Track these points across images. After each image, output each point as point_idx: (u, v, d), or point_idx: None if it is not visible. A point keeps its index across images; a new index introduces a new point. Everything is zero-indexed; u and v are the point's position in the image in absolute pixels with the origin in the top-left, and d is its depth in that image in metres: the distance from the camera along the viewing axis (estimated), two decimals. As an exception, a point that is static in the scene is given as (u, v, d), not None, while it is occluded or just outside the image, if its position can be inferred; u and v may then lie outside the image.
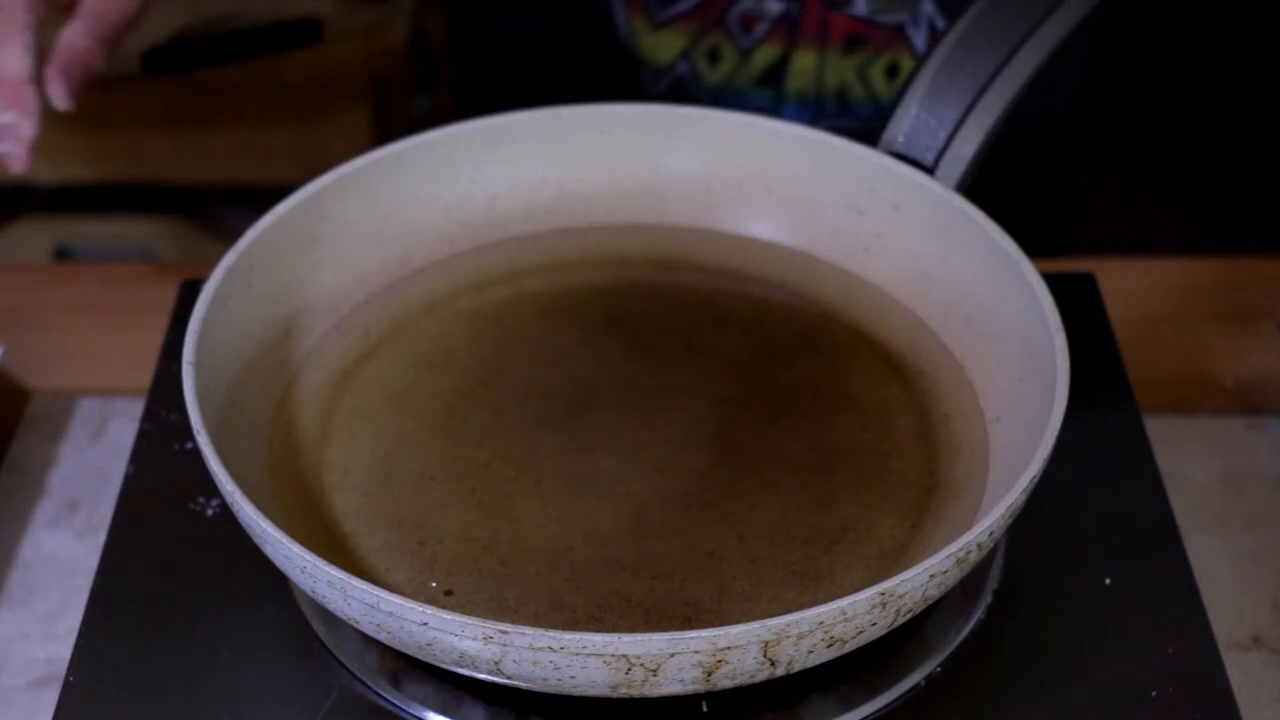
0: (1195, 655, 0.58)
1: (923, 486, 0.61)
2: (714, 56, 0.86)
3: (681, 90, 0.88)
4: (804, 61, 0.85)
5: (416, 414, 0.65)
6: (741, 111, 0.71)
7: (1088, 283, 0.74)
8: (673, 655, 0.49)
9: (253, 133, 1.51)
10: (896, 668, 0.58)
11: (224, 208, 1.57)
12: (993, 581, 0.61)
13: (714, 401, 0.65)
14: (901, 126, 0.68)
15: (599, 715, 0.56)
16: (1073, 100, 0.91)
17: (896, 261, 0.69)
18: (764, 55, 0.86)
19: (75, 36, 0.66)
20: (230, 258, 0.63)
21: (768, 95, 0.87)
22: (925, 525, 0.60)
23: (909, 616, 0.53)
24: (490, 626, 0.49)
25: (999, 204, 0.67)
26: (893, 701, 0.57)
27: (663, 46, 0.87)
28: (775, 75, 0.86)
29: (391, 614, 0.51)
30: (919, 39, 0.84)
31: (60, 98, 0.66)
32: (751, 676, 0.51)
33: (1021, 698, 0.57)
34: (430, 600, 0.56)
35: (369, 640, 0.58)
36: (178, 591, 0.61)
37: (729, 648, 0.50)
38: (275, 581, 0.60)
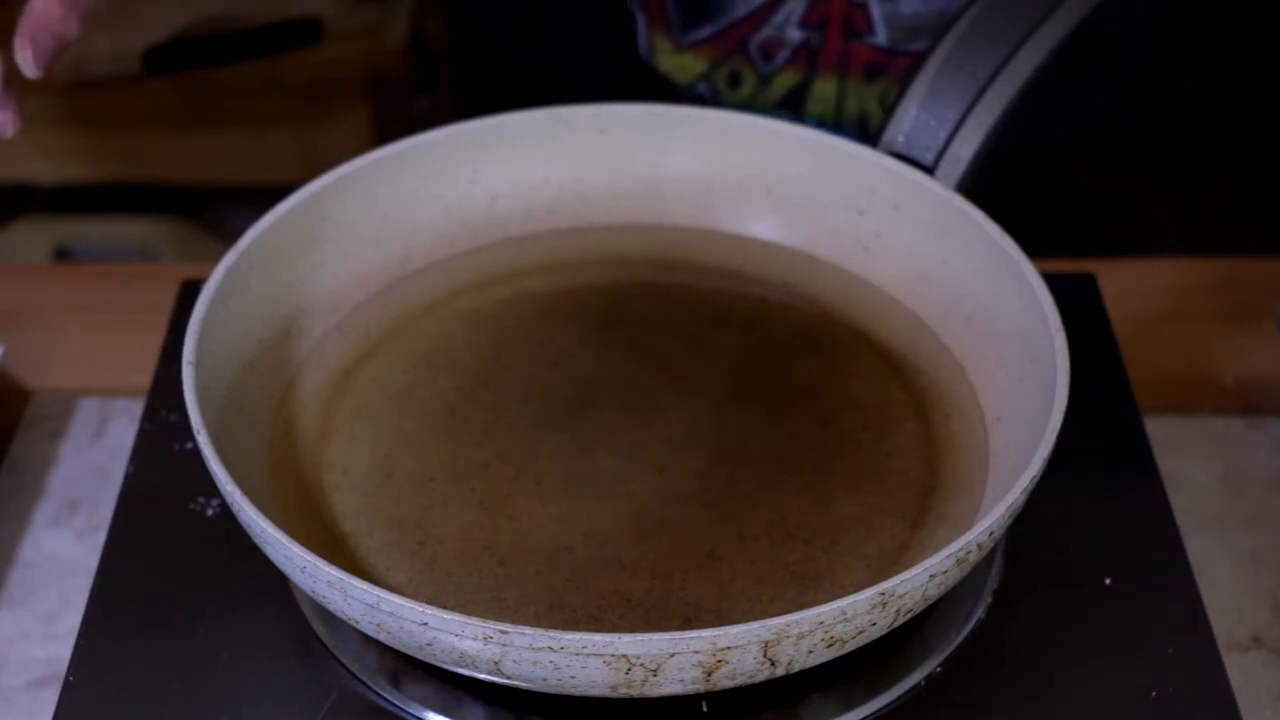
0: (1195, 655, 0.58)
1: (923, 486, 0.61)
2: (734, 81, 0.86)
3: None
4: (824, 89, 0.85)
5: (416, 414, 0.65)
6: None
7: (1088, 283, 0.74)
8: (673, 655, 0.49)
9: (253, 133, 1.52)
10: (896, 668, 0.58)
11: (224, 208, 1.57)
12: (993, 581, 0.61)
13: (714, 401, 0.65)
14: (901, 126, 0.68)
15: (599, 715, 0.56)
16: (1072, 100, 0.91)
17: (896, 261, 0.69)
18: (784, 81, 0.86)
19: (44, 4, 0.66)
20: (230, 258, 0.63)
21: (787, 117, 0.87)
22: (925, 525, 0.60)
23: (909, 616, 0.53)
24: (490, 626, 0.49)
25: (999, 204, 0.67)
26: (893, 701, 0.57)
27: (683, 68, 0.87)
28: (795, 100, 0.86)
29: (391, 614, 0.51)
30: None
31: (29, 66, 0.66)
32: (751, 676, 0.51)
33: (1021, 698, 0.57)
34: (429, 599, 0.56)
35: (369, 640, 0.58)
36: (178, 591, 0.61)
37: (729, 648, 0.50)
38: (275, 581, 0.60)
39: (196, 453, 0.57)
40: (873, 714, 0.57)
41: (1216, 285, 0.81)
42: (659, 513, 0.60)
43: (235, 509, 0.54)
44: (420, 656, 0.52)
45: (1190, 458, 0.73)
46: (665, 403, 0.65)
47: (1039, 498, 0.56)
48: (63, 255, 1.56)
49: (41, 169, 1.52)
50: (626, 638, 0.49)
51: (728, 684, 0.51)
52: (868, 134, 0.87)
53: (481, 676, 0.52)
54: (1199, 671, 0.58)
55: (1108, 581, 0.61)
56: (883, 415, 0.64)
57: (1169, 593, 0.61)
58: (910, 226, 0.68)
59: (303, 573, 0.52)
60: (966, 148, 0.67)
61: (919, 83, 0.68)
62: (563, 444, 0.63)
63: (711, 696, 0.56)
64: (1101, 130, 0.93)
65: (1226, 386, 0.76)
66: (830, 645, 0.51)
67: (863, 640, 0.52)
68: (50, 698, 0.60)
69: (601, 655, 0.49)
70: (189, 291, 0.73)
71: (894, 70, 0.84)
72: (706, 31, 0.85)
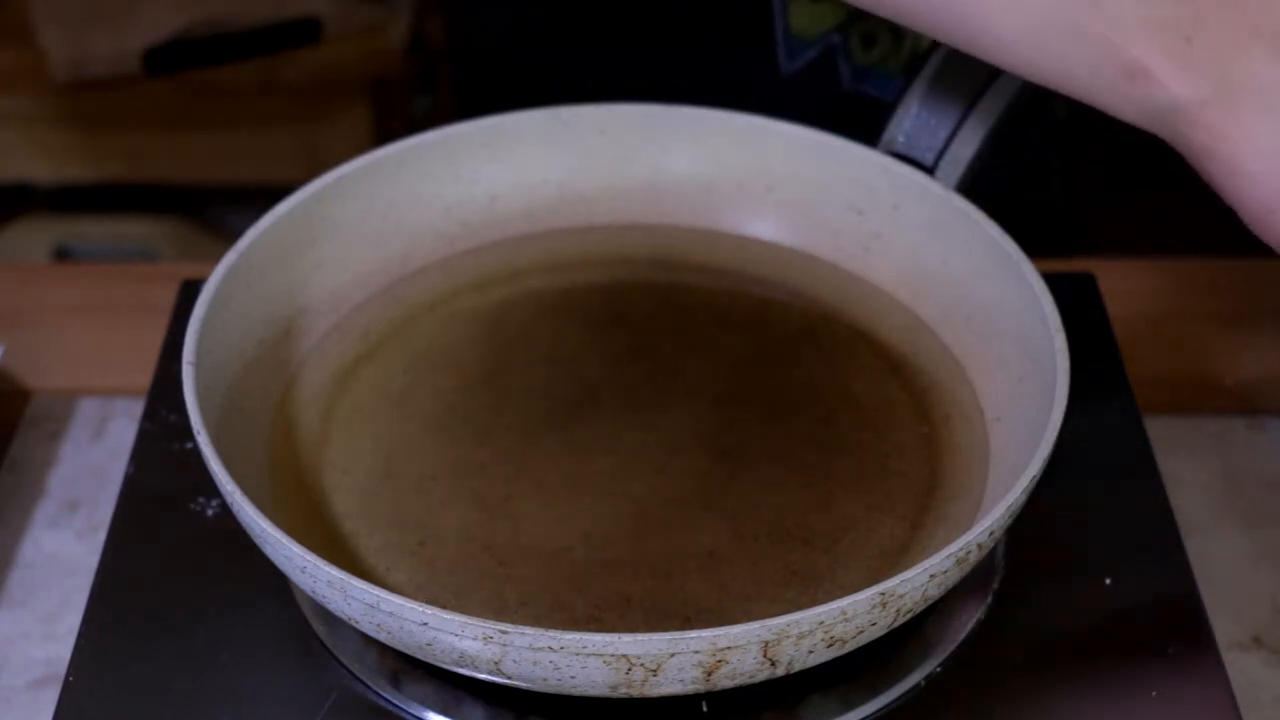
0: (1195, 655, 0.58)
1: (923, 486, 0.61)
2: (869, 41, 0.84)
3: (827, 63, 0.86)
4: None
5: (416, 414, 0.65)
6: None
7: (1088, 283, 0.74)
8: (673, 655, 0.49)
9: (253, 133, 1.52)
10: (896, 668, 0.58)
11: (224, 208, 1.58)
12: (993, 581, 0.61)
13: (714, 401, 0.65)
14: (901, 126, 0.68)
15: (599, 715, 0.56)
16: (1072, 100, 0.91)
17: (896, 261, 0.69)
18: (912, 42, 0.84)
19: None
20: (230, 258, 0.63)
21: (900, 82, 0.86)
22: (925, 525, 0.60)
23: (909, 616, 0.53)
24: (490, 626, 0.49)
25: (999, 204, 0.67)
26: (893, 701, 0.57)
27: (818, 21, 0.85)
28: (920, 63, 0.85)
29: (391, 614, 0.51)
30: None
31: None
32: (751, 676, 0.51)
33: (1021, 698, 0.57)
34: (431, 600, 0.56)
35: (369, 640, 0.58)
36: (178, 591, 0.61)
37: (729, 648, 0.50)
38: (275, 581, 0.60)
39: (196, 453, 0.57)
40: (873, 714, 0.57)
41: (1216, 285, 0.81)
42: (659, 513, 0.60)
43: (235, 509, 0.54)
44: (420, 656, 0.52)
45: (1190, 458, 0.73)
46: (665, 403, 0.65)
47: (1039, 498, 0.56)
48: (63, 255, 1.56)
49: (41, 169, 1.53)
50: (626, 638, 0.49)
51: (728, 684, 0.51)
52: None
53: (481, 676, 0.52)
54: (1199, 671, 0.58)
55: (1108, 581, 0.61)
56: (883, 415, 0.64)
57: (1169, 593, 0.61)
58: (910, 226, 0.68)
59: (303, 573, 0.52)
60: (966, 148, 0.67)
61: (919, 83, 0.68)
62: (563, 444, 0.63)
63: (711, 696, 0.56)
64: (1102, 130, 0.93)
65: (1226, 386, 0.76)
66: (830, 645, 0.51)
67: (863, 640, 0.52)
68: (50, 698, 0.60)
69: (601, 655, 0.49)
70: (189, 291, 0.73)
71: None
72: None
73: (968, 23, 0.51)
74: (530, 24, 0.95)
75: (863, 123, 0.70)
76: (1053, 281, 0.62)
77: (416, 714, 0.57)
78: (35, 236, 1.56)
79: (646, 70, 0.89)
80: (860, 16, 0.85)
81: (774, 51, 0.86)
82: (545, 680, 0.51)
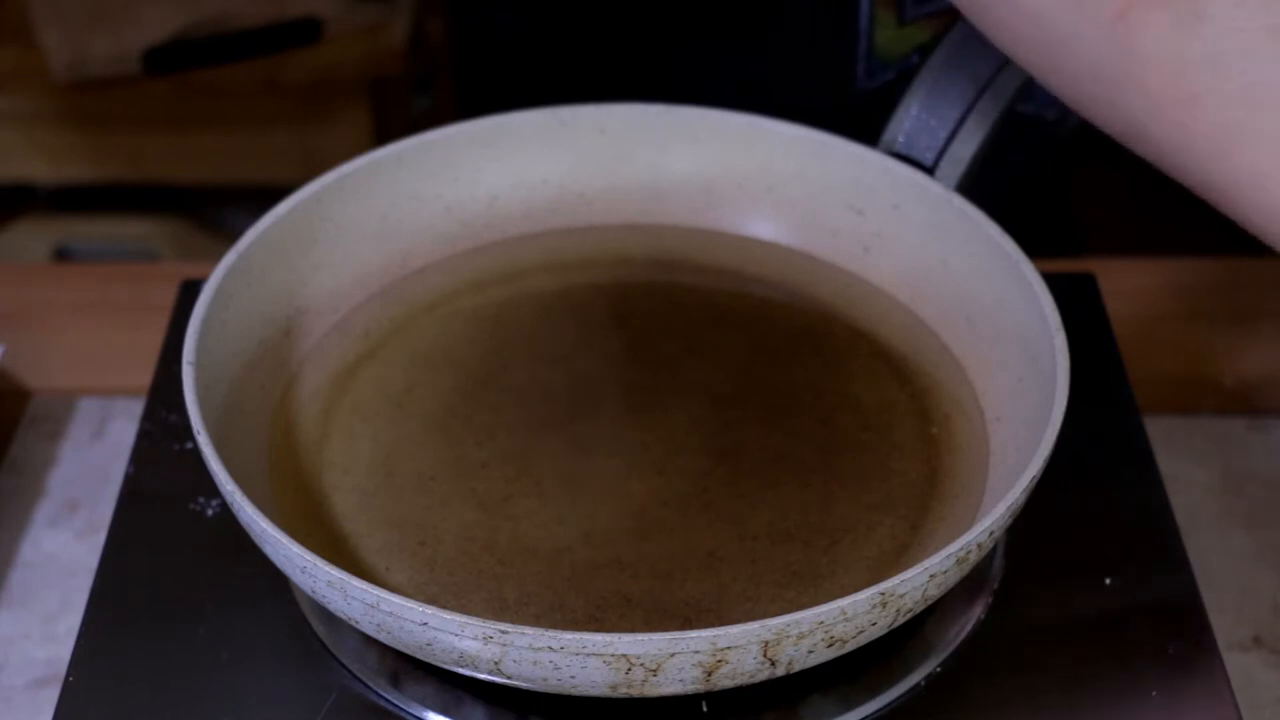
0: (1195, 655, 0.58)
1: (923, 486, 0.61)
2: None
3: (904, 85, 0.87)
4: None
5: (416, 414, 0.65)
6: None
7: (1088, 283, 0.74)
8: (673, 655, 0.49)
9: (253, 133, 1.52)
10: (896, 668, 0.58)
11: (224, 208, 1.58)
12: (993, 581, 0.61)
13: (714, 401, 0.65)
14: (901, 126, 0.68)
15: (599, 715, 0.56)
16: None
17: (896, 261, 0.69)
18: None
19: None
20: (230, 258, 0.63)
21: None
22: (925, 525, 0.60)
23: (909, 616, 0.53)
24: (490, 626, 0.49)
25: (999, 204, 0.67)
26: (893, 701, 0.57)
27: (904, 40, 0.85)
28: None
29: (391, 614, 0.51)
30: None
31: None
32: (751, 676, 0.51)
33: (1021, 698, 0.57)
34: (431, 600, 0.56)
35: (369, 640, 0.58)
36: (178, 591, 0.61)
37: (729, 648, 0.50)
38: (275, 581, 0.60)
39: (196, 453, 0.57)
40: (873, 714, 0.57)
41: (1216, 285, 0.81)
42: (659, 513, 0.60)
43: (235, 509, 0.54)
44: (420, 656, 0.52)
45: (1190, 458, 0.73)
46: (665, 403, 0.65)
47: (1039, 497, 0.56)
48: (63, 255, 1.56)
49: (41, 169, 1.53)
50: (626, 638, 0.49)
51: (728, 684, 0.51)
52: None
53: (481, 676, 0.52)
54: (1199, 671, 0.58)
55: (1108, 581, 0.61)
56: (883, 415, 0.64)
57: (1169, 593, 0.61)
58: (910, 226, 0.68)
59: (303, 573, 0.52)
60: (966, 148, 0.67)
61: (919, 83, 0.68)
62: (563, 444, 0.63)
63: (711, 696, 0.56)
64: (1101, 130, 0.93)
65: (1226, 386, 0.76)
66: (830, 645, 0.51)
67: (863, 640, 0.52)
68: (50, 698, 0.60)
69: (601, 655, 0.49)
70: (189, 291, 0.73)
71: None
72: (936, 5, 0.83)
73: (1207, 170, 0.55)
74: (531, 24, 0.95)
75: None
76: (1053, 281, 0.62)
77: (416, 714, 0.57)
78: (35, 236, 1.56)
79: (705, 75, 0.89)
80: (946, 31, 0.85)
81: (853, 70, 0.87)
82: (545, 680, 0.51)
